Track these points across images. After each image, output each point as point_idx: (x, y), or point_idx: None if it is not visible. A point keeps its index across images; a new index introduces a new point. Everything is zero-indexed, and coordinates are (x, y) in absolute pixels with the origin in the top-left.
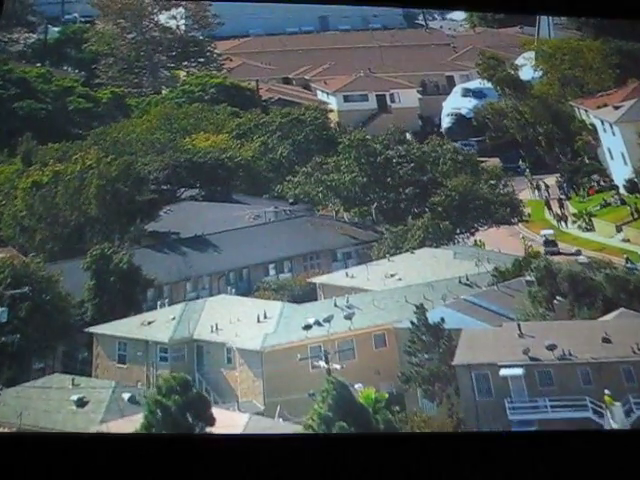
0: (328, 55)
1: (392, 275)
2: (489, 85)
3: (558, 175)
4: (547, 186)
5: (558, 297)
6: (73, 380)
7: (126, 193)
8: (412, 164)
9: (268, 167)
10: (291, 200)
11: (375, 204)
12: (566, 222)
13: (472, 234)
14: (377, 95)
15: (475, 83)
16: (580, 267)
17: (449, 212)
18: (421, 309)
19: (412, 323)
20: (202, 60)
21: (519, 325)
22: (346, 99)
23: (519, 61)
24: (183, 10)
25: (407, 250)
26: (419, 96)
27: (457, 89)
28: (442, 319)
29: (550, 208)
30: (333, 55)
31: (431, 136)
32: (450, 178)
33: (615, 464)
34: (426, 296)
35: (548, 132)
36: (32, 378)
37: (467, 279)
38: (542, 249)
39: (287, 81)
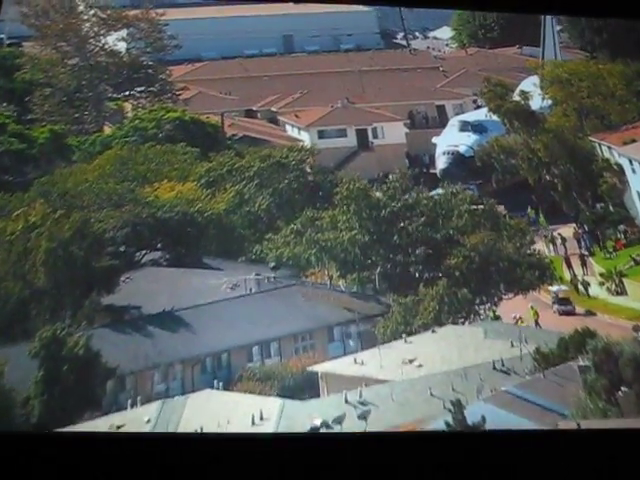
0: (298, 82)
1: (411, 361)
2: (491, 116)
3: (577, 225)
4: (564, 239)
5: (623, 387)
6: None
7: (81, 258)
8: (423, 218)
9: (244, 223)
10: (272, 264)
11: (379, 268)
12: (586, 287)
13: (495, 304)
14: (357, 130)
15: (474, 114)
16: None
17: (468, 277)
18: (458, 406)
19: (447, 424)
20: (154, 90)
21: (578, 425)
22: (321, 135)
23: (525, 86)
24: (135, 31)
25: (420, 326)
26: (406, 130)
27: (453, 122)
28: (483, 418)
29: (570, 266)
30: (304, 82)
31: (443, 183)
32: (467, 234)
33: (621, 463)
34: (456, 387)
35: (565, 173)
36: None
37: (503, 364)
38: (589, 323)
39: (251, 114)
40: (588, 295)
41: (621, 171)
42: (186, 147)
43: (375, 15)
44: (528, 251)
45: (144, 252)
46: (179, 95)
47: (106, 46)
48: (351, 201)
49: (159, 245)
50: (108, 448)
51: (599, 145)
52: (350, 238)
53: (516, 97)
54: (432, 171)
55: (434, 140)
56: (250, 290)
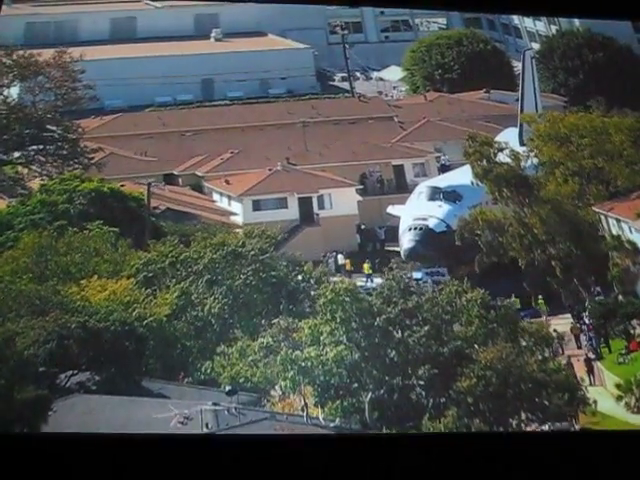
0: (227, 138)
1: None
2: (469, 181)
3: (582, 320)
4: (560, 336)
5: None
6: None
7: (3, 387)
8: (426, 327)
9: (190, 331)
10: (227, 387)
11: (370, 394)
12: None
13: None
14: (300, 199)
15: (446, 179)
16: None
17: (482, 404)
18: None
19: None
20: (64, 152)
21: None
22: (257, 206)
23: (503, 139)
24: (44, 80)
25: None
26: (359, 198)
27: (421, 189)
28: None
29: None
30: (234, 138)
31: (449, 280)
32: (479, 346)
33: (619, 465)
34: None
35: (564, 254)
36: None
37: None
38: None
39: (171, 180)
40: (594, 412)
41: (634, 251)
42: (104, 228)
43: (311, 54)
44: (552, 365)
45: (70, 374)
46: (91, 159)
47: (8, 99)
48: (337, 307)
49: (87, 364)
50: (106, 449)
51: (605, 217)
52: (336, 355)
53: (504, 158)
54: (390, 248)
55: (390, 210)
56: (207, 426)
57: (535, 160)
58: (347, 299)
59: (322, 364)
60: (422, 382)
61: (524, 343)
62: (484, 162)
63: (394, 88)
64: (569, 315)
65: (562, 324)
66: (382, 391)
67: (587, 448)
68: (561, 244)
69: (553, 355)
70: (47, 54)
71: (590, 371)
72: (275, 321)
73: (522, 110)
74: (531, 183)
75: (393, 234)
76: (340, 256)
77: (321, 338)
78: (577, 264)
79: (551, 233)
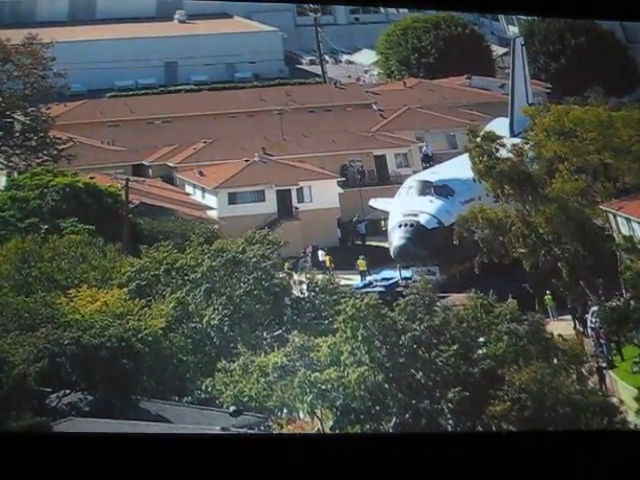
0: (200, 127)
1: None
2: (463, 175)
3: (590, 326)
4: (564, 340)
5: None
6: None
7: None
8: (455, 346)
9: (187, 345)
10: (232, 408)
11: (394, 419)
12: None
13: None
14: (278, 191)
15: (439, 172)
16: None
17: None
18: None
19: None
20: (32, 144)
21: None
22: (232, 199)
23: (493, 128)
24: (12, 67)
25: None
26: (340, 190)
27: (411, 183)
28: None
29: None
30: (207, 126)
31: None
32: (509, 364)
33: (619, 465)
34: None
35: (571, 255)
36: None
37: None
38: None
39: (140, 171)
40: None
41: None
42: (79, 226)
43: (279, 37)
44: (589, 387)
45: (62, 393)
46: (61, 151)
47: None
48: (359, 323)
49: (81, 383)
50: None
51: (613, 217)
52: (359, 377)
53: (505, 153)
54: (373, 243)
55: (373, 203)
56: None
57: (531, 153)
58: (369, 315)
59: (343, 386)
60: (451, 406)
61: (556, 361)
62: (485, 158)
63: (366, 72)
64: (569, 317)
65: (563, 327)
66: (407, 416)
67: (587, 448)
68: (568, 244)
69: (588, 374)
70: (15, 37)
71: (602, 381)
72: (290, 338)
73: (512, 100)
74: (534, 181)
75: (374, 228)
76: (321, 252)
77: (341, 358)
78: (584, 265)
79: (557, 233)
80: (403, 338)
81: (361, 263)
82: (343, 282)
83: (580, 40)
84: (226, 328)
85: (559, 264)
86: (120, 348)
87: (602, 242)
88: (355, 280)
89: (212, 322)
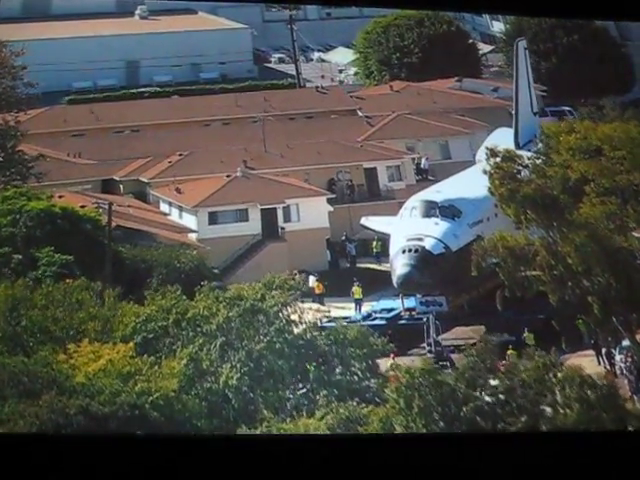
0: (173, 137)
1: None
2: (471, 193)
3: (620, 365)
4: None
5: None
6: None
7: None
8: (523, 417)
9: (202, 408)
10: None
11: None
12: None
13: None
14: (263, 210)
15: (444, 191)
16: None
17: None
18: None
19: None
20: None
21: None
22: (213, 219)
23: (494, 142)
24: None
25: None
26: (329, 208)
27: (414, 203)
28: None
29: None
30: (181, 137)
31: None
32: None
33: (617, 465)
34: None
35: (602, 288)
36: None
37: None
38: None
39: (110, 187)
40: None
41: None
42: (56, 256)
43: (248, 35)
44: None
45: None
46: (30, 168)
47: None
48: (413, 392)
49: None
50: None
51: None
52: None
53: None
54: (364, 266)
55: (364, 222)
56: None
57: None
58: (425, 382)
59: None
60: None
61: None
62: (507, 181)
63: (340, 72)
64: (590, 352)
65: (589, 365)
66: None
67: (588, 448)
68: (599, 277)
69: None
70: None
71: None
72: (333, 409)
73: (517, 108)
74: (560, 205)
75: (365, 249)
76: (312, 278)
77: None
78: (617, 299)
79: (587, 263)
80: (464, 409)
81: (356, 290)
82: (336, 313)
83: (572, 38)
84: (246, 388)
85: (589, 298)
86: (134, 417)
87: (635, 273)
88: (349, 309)
89: (230, 382)
